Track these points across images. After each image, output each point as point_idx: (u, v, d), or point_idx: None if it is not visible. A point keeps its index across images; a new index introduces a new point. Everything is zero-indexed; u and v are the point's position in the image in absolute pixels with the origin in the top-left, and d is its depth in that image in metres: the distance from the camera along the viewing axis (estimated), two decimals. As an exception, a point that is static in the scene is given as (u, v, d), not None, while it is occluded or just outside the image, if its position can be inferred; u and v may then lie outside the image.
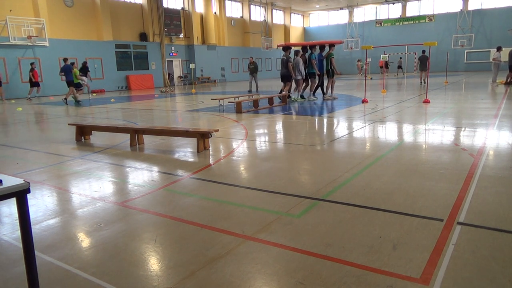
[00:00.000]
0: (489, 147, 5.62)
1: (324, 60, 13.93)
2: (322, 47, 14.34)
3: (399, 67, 34.86)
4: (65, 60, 16.13)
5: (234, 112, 10.88)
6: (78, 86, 16.39)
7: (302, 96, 14.05)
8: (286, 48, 14.01)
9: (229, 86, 27.52)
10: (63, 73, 16.02)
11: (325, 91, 14.26)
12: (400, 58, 36.21)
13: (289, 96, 13.97)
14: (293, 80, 13.75)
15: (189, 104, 14.64)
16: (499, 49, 18.70)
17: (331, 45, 13.77)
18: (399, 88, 19.29)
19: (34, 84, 18.84)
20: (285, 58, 13.63)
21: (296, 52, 13.60)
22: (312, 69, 13.53)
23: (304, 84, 14.05)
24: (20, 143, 7.35)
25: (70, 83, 15.96)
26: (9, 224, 3.38)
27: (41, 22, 21.14)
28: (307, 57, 13.62)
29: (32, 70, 18.62)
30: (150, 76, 27.96)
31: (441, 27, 37.88)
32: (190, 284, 2.33)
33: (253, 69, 19.52)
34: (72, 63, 16.20)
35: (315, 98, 13.91)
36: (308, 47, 13.78)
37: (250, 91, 18.86)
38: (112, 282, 2.38)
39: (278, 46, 15.91)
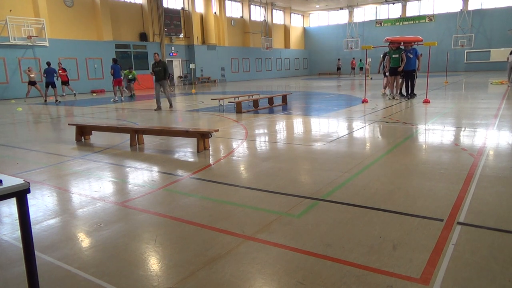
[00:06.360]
0: (489, 147, 5.62)
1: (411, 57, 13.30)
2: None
3: (338, 68, 39.13)
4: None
5: (234, 112, 10.88)
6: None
7: (402, 94, 13.81)
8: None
9: (229, 86, 27.52)
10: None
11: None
12: (339, 59, 40.18)
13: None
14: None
15: (189, 104, 14.64)
16: None
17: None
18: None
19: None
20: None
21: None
22: (408, 67, 13.02)
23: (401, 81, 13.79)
24: (20, 143, 7.35)
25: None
26: (9, 224, 3.38)
27: (41, 22, 21.14)
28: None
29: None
30: (150, 76, 27.92)
31: (441, 27, 37.89)
32: (190, 284, 2.33)
33: (160, 73, 12.21)
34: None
35: (407, 97, 13.43)
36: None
37: (159, 107, 12.32)
38: (112, 282, 2.38)
39: (384, 41, 15.27)
